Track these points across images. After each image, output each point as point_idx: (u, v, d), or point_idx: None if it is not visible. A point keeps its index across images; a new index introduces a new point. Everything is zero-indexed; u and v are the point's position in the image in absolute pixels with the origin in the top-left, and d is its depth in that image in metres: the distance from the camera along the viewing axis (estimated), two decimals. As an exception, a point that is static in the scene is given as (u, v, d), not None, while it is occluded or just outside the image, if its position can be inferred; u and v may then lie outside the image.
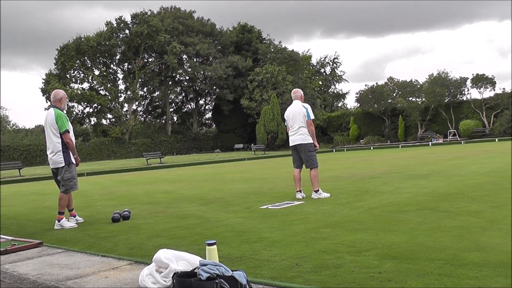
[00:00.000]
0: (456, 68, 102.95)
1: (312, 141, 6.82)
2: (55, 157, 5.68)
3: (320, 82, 52.54)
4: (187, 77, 45.63)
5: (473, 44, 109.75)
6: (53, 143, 5.67)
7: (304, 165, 6.92)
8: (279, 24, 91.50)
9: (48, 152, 5.77)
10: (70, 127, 5.77)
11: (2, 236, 4.84)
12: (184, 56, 44.83)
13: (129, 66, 43.08)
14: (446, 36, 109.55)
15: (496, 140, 29.01)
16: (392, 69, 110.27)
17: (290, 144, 7.00)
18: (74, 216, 5.90)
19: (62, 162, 5.65)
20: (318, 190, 6.66)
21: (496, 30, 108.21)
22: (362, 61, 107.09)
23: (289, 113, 7.02)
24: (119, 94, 42.45)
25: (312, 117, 6.87)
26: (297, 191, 6.80)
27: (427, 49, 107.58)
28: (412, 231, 3.85)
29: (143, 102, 47.73)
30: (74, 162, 5.78)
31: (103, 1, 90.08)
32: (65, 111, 5.93)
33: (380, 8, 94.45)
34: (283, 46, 45.58)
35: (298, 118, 6.82)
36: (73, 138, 5.82)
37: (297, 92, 7.19)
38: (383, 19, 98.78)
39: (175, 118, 50.49)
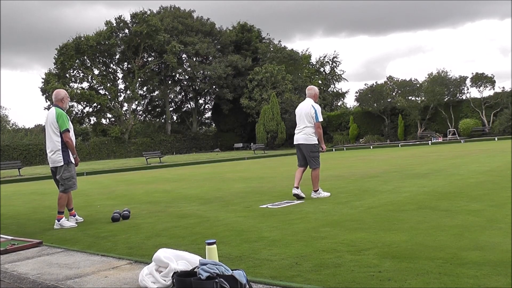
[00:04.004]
0: (458, 67, 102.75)
1: (316, 142, 6.74)
2: (54, 156, 5.68)
3: (320, 81, 52.53)
4: (187, 77, 45.64)
5: (474, 42, 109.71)
6: (53, 142, 5.67)
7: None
8: (281, 23, 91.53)
9: (47, 151, 5.78)
10: (70, 126, 5.76)
11: (2, 235, 4.84)
12: (184, 56, 44.82)
13: (129, 66, 43.07)
14: (447, 34, 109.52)
15: (496, 139, 29.01)
16: (394, 68, 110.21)
17: (294, 142, 6.95)
18: (74, 216, 5.90)
19: (61, 161, 5.65)
20: (318, 190, 6.64)
21: (498, 29, 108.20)
22: (364, 60, 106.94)
23: (298, 110, 6.94)
24: (118, 94, 42.43)
25: (321, 119, 6.73)
26: (294, 187, 6.65)
27: (428, 47, 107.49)
28: (411, 230, 3.85)
29: (143, 102, 47.73)
30: (73, 162, 5.77)
31: (103, 0, 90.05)
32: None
33: (382, 6, 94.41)
34: (282, 45, 45.65)
35: (305, 117, 6.73)
36: (73, 138, 5.82)
37: (312, 89, 7.01)
38: (385, 18, 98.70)
39: (175, 118, 50.52)
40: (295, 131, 6.93)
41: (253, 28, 47.89)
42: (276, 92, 39.50)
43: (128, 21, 41.24)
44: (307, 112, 6.72)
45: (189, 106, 49.76)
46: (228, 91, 42.91)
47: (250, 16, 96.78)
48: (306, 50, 53.20)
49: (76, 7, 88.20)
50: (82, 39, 38.73)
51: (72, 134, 5.79)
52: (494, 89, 34.70)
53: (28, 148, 36.04)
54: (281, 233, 4.15)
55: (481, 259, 2.85)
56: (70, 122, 5.81)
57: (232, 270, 2.48)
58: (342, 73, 54.50)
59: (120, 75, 43.81)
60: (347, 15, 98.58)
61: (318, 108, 6.79)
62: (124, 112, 42.84)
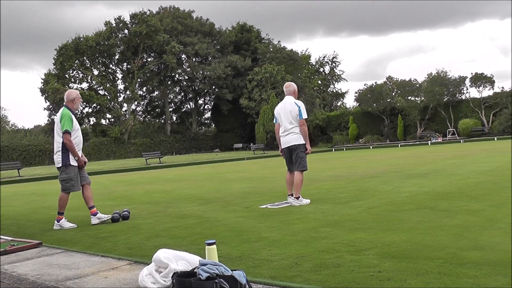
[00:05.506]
0: (458, 67, 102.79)
1: (304, 142, 6.21)
2: (56, 156, 5.67)
3: (319, 82, 52.55)
4: (186, 77, 45.66)
5: (475, 42, 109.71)
6: (57, 143, 5.66)
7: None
8: (281, 23, 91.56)
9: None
10: (76, 128, 5.67)
11: (1, 236, 4.83)
12: (183, 56, 44.86)
13: (128, 66, 43.08)
14: (448, 34, 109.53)
15: (495, 139, 29.03)
16: (394, 68, 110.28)
17: (283, 146, 6.33)
18: (95, 214, 5.66)
19: (60, 162, 5.63)
20: (299, 197, 6.06)
21: (498, 29, 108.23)
22: (365, 60, 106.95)
23: (279, 110, 6.36)
24: (118, 94, 42.47)
25: (305, 116, 6.21)
26: (288, 195, 6.24)
27: (429, 47, 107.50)
28: (411, 230, 3.85)
29: (142, 102, 47.75)
30: (73, 164, 5.65)
31: (103, 0, 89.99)
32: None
33: (383, 6, 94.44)
34: (282, 46, 45.68)
35: (290, 116, 6.20)
36: (79, 140, 5.72)
37: (290, 86, 6.48)
38: (385, 18, 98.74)
39: (174, 118, 50.53)
40: (281, 134, 6.33)
41: (252, 28, 47.93)
42: (276, 92, 39.49)
43: (127, 22, 41.26)
44: (291, 110, 6.20)
45: (188, 106, 49.80)
46: (227, 91, 42.92)
47: (250, 16, 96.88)
48: (306, 50, 53.28)
49: (76, 7, 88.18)
50: (81, 39, 38.76)
51: (78, 135, 5.71)
52: (493, 89, 34.79)
53: (28, 148, 36.03)
54: (281, 234, 4.15)
55: (481, 259, 2.85)
56: (76, 123, 5.74)
57: (232, 270, 2.48)
58: (342, 73, 54.59)
59: (119, 76, 43.91)
60: (348, 15, 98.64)
61: (302, 104, 6.28)
62: (124, 113, 42.84)
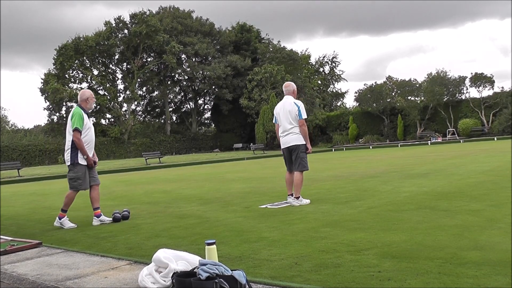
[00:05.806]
0: (458, 67, 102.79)
1: (304, 142, 6.22)
2: (65, 154, 5.70)
3: (319, 82, 52.55)
4: (186, 77, 45.67)
5: (475, 42, 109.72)
6: (67, 141, 5.68)
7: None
8: (281, 23, 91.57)
9: None
10: (87, 127, 5.65)
11: (1, 236, 4.83)
12: (183, 56, 44.86)
13: (128, 66, 43.09)
14: (448, 34, 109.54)
15: (495, 139, 29.04)
16: (394, 68, 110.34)
17: (283, 146, 6.32)
18: (98, 216, 5.69)
19: (69, 160, 5.64)
20: (299, 197, 6.08)
21: (498, 29, 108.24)
22: (365, 60, 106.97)
23: (279, 110, 6.35)
24: (118, 94, 42.47)
25: (305, 116, 6.19)
26: (288, 195, 6.25)
27: (429, 47, 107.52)
28: (411, 230, 3.85)
29: (142, 102, 47.76)
30: (81, 163, 5.62)
31: (103, 0, 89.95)
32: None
33: (383, 6, 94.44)
34: (282, 46, 45.71)
35: (289, 116, 6.19)
36: (89, 138, 5.69)
37: (290, 86, 6.46)
38: (385, 18, 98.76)
39: (174, 118, 50.54)
40: (280, 134, 6.33)
41: (252, 28, 47.95)
42: (276, 92, 39.49)
43: (127, 22, 41.27)
44: (291, 110, 6.18)
45: (188, 106, 49.82)
46: (227, 91, 42.94)
47: (250, 16, 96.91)
48: (306, 50, 53.31)
49: (76, 7, 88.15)
50: (81, 39, 38.77)
51: (89, 134, 5.70)
52: (493, 89, 34.81)
53: (28, 148, 36.01)
54: (281, 233, 4.15)
55: (480, 259, 2.85)
56: (88, 122, 5.71)
57: (231, 270, 2.48)
58: (342, 73, 54.59)
59: (119, 76, 43.92)
60: (348, 15, 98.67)
61: (301, 104, 6.26)
62: (124, 113, 42.84)
